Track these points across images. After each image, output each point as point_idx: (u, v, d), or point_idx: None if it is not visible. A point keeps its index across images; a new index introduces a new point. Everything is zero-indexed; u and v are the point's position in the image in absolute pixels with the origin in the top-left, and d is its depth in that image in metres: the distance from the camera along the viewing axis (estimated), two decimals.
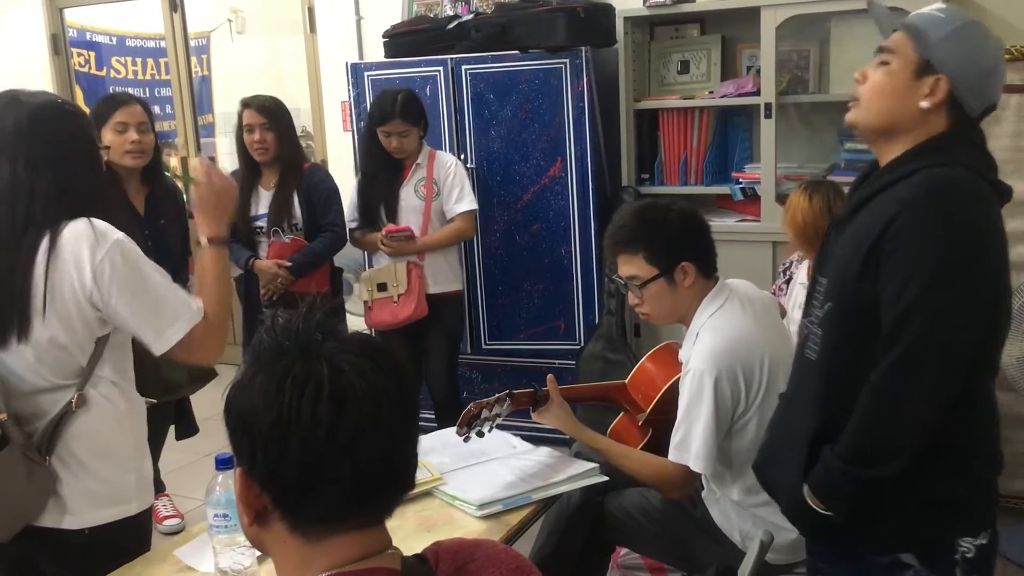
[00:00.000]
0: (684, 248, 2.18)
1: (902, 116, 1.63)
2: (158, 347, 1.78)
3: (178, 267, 3.22)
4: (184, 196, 3.17)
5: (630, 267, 2.20)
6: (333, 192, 3.64)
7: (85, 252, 1.71)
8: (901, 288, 1.53)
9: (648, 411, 2.37)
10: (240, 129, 3.56)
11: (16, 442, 1.72)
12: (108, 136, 2.94)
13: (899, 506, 1.60)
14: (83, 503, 1.81)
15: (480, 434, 2.19)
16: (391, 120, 3.45)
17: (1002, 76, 1.65)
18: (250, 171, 3.59)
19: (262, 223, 3.57)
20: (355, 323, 3.87)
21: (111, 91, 5.09)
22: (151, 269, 1.80)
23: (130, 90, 6.20)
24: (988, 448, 1.66)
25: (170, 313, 1.77)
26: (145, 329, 1.77)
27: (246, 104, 3.55)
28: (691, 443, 2.11)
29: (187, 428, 3.54)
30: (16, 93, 1.83)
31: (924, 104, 1.60)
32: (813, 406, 1.67)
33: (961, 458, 1.61)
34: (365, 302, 3.64)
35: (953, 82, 1.59)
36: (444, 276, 3.66)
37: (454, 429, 2.22)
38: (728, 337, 2.13)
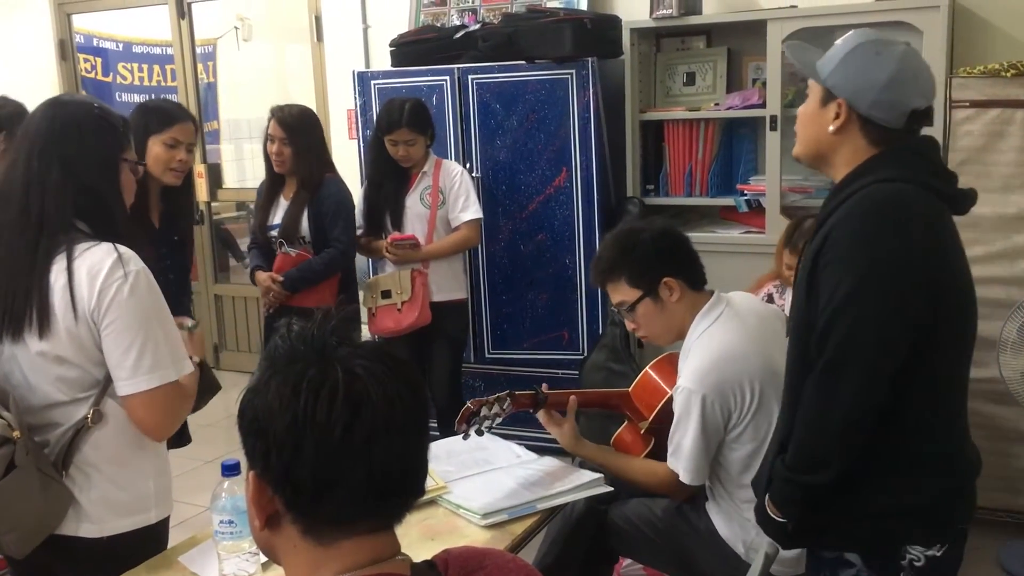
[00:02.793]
0: (662, 264, 2.22)
1: (820, 142, 1.73)
2: (125, 388, 1.73)
3: (188, 280, 3.21)
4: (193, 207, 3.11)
5: (617, 293, 2.26)
6: (342, 205, 3.52)
7: (103, 272, 1.70)
8: (825, 304, 1.60)
9: (650, 420, 2.37)
10: (266, 135, 3.53)
11: (29, 462, 1.70)
12: (156, 148, 2.80)
13: (844, 510, 1.66)
14: (102, 511, 1.80)
15: (480, 432, 2.19)
16: (398, 128, 3.46)
17: (912, 81, 1.66)
18: (274, 178, 3.58)
19: (275, 232, 3.55)
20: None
21: (149, 99, 4.89)
22: (157, 311, 1.76)
23: (136, 97, 6.25)
24: (943, 463, 1.67)
25: (151, 360, 1.72)
26: (122, 365, 1.71)
27: (273, 113, 3.51)
28: (681, 455, 2.16)
29: (180, 438, 3.49)
30: (60, 97, 1.88)
31: (831, 128, 1.69)
32: (781, 416, 1.77)
33: (907, 469, 1.65)
34: (369, 309, 3.64)
35: (851, 102, 1.66)
36: (448, 284, 3.67)
37: (459, 438, 2.22)
38: (716, 354, 2.15)
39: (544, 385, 2.33)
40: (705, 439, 2.14)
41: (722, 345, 2.16)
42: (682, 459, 2.16)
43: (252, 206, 3.81)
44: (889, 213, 1.60)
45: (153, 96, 6.21)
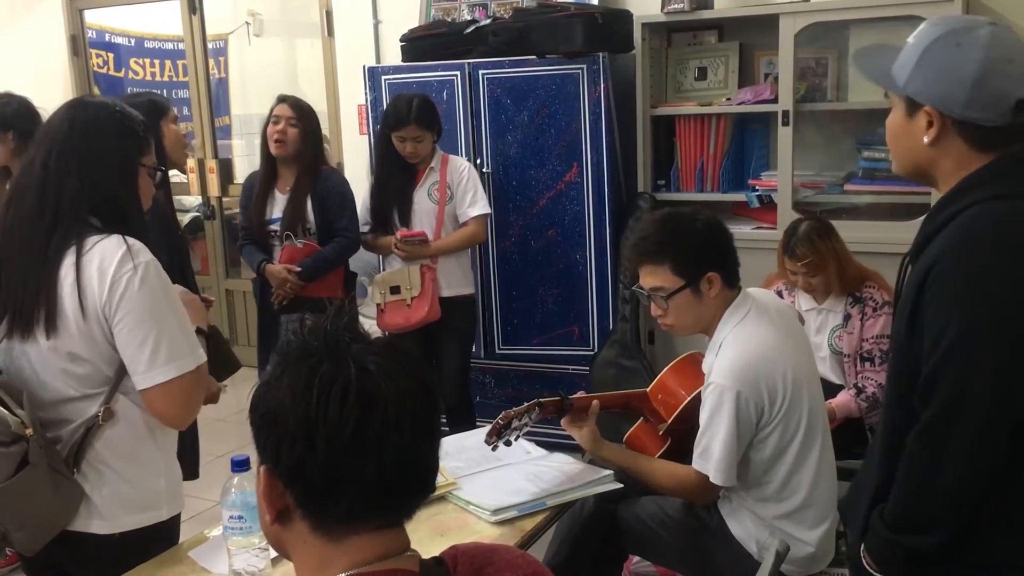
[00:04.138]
0: (711, 258, 2.16)
1: (918, 157, 1.52)
2: (143, 382, 1.72)
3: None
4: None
5: (655, 278, 2.17)
6: (346, 196, 3.60)
7: (112, 265, 1.70)
8: (931, 348, 1.39)
9: (670, 421, 2.36)
10: (268, 122, 3.56)
11: (41, 458, 1.70)
12: (172, 127, 2.92)
13: (954, 564, 1.46)
14: (114, 508, 1.80)
15: (508, 443, 2.18)
16: (406, 125, 3.45)
17: (1007, 67, 1.42)
18: (268, 171, 3.60)
19: (276, 227, 3.57)
20: (367, 326, 3.87)
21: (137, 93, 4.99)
22: (170, 302, 1.76)
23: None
24: None
25: (167, 352, 1.71)
26: (139, 359, 1.71)
27: (281, 99, 3.57)
28: (712, 455, 2.11)
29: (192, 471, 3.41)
30: (81, 98, 1.90)
31: (926, 139, 1.48)
32: (880, 459, 1.55)
33: None
34: (377, 305, 3.64)
35: (941, 108, 1.45)
36: (456, 279, 3.67)
37: (469, 434, 2.22)
38: (751, 351, 2.11)
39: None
40: (738, 437, 2.08)
41: (757, 341, 2.12)
42: (712, 459, 2.10)
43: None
44: (1004, 240, 1.39)
45: (165, 91, 6.22)
